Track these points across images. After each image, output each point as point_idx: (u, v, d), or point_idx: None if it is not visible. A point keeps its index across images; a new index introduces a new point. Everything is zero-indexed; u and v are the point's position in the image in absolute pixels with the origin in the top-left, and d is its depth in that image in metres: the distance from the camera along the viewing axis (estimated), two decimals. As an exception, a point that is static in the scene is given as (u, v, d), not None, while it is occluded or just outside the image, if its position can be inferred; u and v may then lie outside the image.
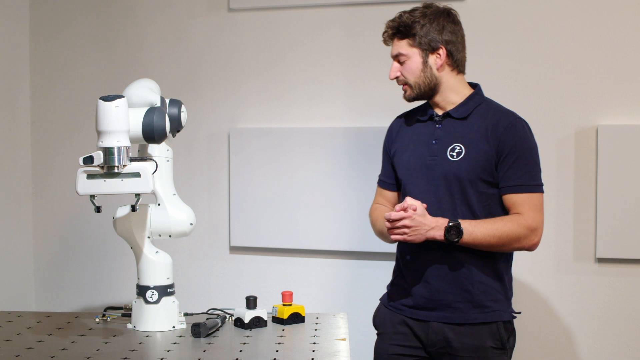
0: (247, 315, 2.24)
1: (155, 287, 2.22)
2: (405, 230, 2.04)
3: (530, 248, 2.13)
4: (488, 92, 2.76)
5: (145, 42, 3.08)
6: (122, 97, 1.99)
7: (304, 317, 2.31)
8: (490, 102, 2.22)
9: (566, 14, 2.66)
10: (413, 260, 2.20)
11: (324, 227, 2.86)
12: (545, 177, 2.68)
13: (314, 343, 2.07)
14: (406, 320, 2.19)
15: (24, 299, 3.14)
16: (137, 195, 2.05)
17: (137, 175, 1.99)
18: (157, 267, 2.24)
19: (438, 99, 2.20)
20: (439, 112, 2.21)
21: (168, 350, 2.03)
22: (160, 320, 2.22)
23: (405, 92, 2.21)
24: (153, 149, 2.26)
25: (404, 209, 2.04)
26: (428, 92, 2.18)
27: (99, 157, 1.96)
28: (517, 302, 2.72)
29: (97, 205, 2.02)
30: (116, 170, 1.98)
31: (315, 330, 2.22)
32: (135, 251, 2.26)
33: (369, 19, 2.80)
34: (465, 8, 2.74)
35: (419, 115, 2.28)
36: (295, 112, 2.93)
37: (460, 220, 2.06)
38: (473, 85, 2.24)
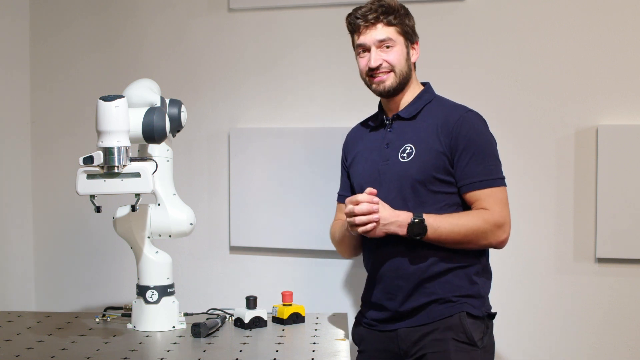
0: (247, 315, 2.24)
1: (155, 287, 2.22)
2: (374, 217, 1.92)
3: (498, 245, 2.04)
4: (488, 92, 2.77)
5: (145, 42, 3.08)
6: (122, 97, 2.00)
7: (304, 317, 2.31)
8: (441, 99, 2.15)
9: (566, 14, 2.66)
10: (375, 270, 2.13)
11: (324, 227, 2.85)
12: (545, 177, 2.69)
13: (314, 343, 2.08)
14: (379, 335, 2.12)
15: (24, 299, 3.14)
16: (137, 195, 2.05)
17: (137, 175, 2.00)
18: (157, 267, 2.24)
19: (401, 97, 2.13)
20: (390, 114, 2.15)
21: (168, 350, 2.03)
22: (160, 320, 2.23)
23: (383, 82, 2.08)
24: (153, 149, 2.26)
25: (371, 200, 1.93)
26: (403, 85, 2.10)
27: (99, 157, 1.96)
28: (517, 302, 2.73)
29: (97, 205, 2.03)
30: (116, 170, 1.98)
31: (315, 330, 2.22)
32: (135, 251, 2.26)
33: (369, 19, 2.80)
34: (465, 8, 2.74)
35: (371, 121, 2.23)
36: (295, 112, 2.93)
37: (424, 215, 1.97)
38: (423, 84, 2.19)
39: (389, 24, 2.06)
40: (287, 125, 2.92)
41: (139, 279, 2.25)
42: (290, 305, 2.30)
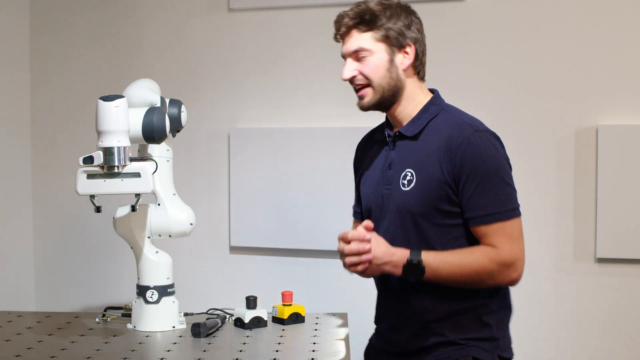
0: (247, 315, 2.24)
1: (155, 287, 2.22)
2: (364, 258, 1.75)
3: (509, 284, 1.85)
4: (488, 92, 2.77)
5: (145, 42, 3.08)
6: (122, 97, 2.00)
7: (304, 317, 2.31)
8: (449, 112, 1.87)
9: (566, 14, 2.66)
10: (380, 299, 2.00)
11: (324, 227, 2.85)
12: (545, 177, 2.69)
13: (314, 343, 2.07)
14: None
15: (24, 299, 3.14)
16: (137, 195, 2.05)
17: (137, 175, 2.00)
18: (157, 267, 2.24)
19: (397, 110, 1.88)
20: (394, 129, 1.91)
21: (168, 350, 2.03)
22: (160, 320, 2.23)
23: (362, 98, 1.86)
24: (153, 149, 2.26)
25: (362, 237, 1.76)
26: (390, 98, 1.85)
27: (99, 157, 1.96)
28: (517, 302, 2.71)
29: (97, 205, 2.03)
30: (116, 170, 1.98)
31: (315, 330, 2.22)
32: (135, 251, 2.26)
33: (369, 19, 2.79)
34: (465, 8, 2.74)
35: (378, 134, 2.00)
36: (295, 112, 2.93)
37: (423, 253, 1.76)
38: (432, 91, 1.94)
39: (363, 30, 1.83)
40: (287, 125, 2.92)
41: (139, 279, 2.25)
42: (290, 305, 2.30)
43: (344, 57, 1.91)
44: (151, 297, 2.22)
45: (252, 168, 2.94)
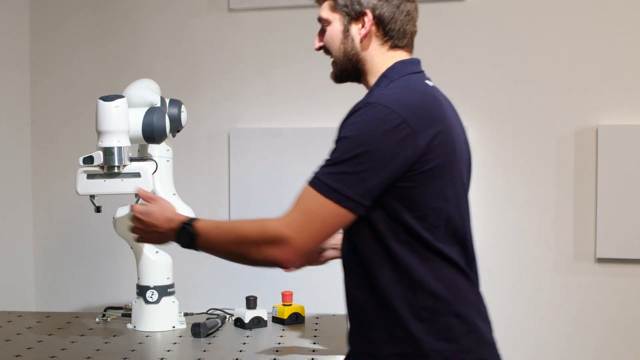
0: (247, 315, 2.24)
1: (155, 287, 2.22)
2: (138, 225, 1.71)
3: (274, 263, 1.51)
4: (488, 92, 2.76)
5: (145, 42, 3.08)
6: (122, 97, 2.00)
7: (304, 317, 2.31)
8: (391, 86, 1.57)
9: (566, 13, 2.66)
10: None
11: (324, 227, 2.85)
12: (545, 177, 2.69)
13: (314, 343, 2.08)
14: None
15: (24, 299, 3.14)
16: (137, 195, 2.05)
17: (137, 175, 2.00)
18: (157, 267, 2.24)
19: (364, 83, 1.67)
20: None
21: (168, 350, 2.03)
22: (160, 320, 2.23)
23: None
24: (153, 149, 2.26)
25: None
26: (352, 71, 1.64)
27: (99, 157, 1.97)
28: (517, 303, 2.73)
29: (97, 205, 2.03)
30: (116, 170, 1.98)
31: (315, 330, 2.22)
32: (135, 251, 2.26)
33: (369, 19, 2.79)
34: (465, 8, 2.74)
35: None
36: (295, 112, 2.93)
37: (200, 219, 1.63)
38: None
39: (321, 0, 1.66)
40: (287, 125, 2.92)
41: (139, 279, 2.25)
42: (290, 305, 2.30)
43: None
44: (151, 297, 2.22)
45: (252, 168, 2.94)
